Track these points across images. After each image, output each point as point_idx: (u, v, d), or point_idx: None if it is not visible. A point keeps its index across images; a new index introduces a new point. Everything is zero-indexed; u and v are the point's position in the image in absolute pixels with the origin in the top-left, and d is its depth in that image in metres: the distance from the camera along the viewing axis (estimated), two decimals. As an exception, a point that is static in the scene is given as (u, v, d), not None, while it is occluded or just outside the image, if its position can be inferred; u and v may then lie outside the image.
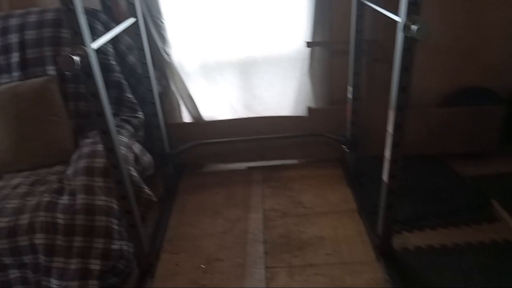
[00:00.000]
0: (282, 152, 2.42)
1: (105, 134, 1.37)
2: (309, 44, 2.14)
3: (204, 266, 1.74)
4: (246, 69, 2.28)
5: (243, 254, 1.79)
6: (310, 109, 2.30)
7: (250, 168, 2.46)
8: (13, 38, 1.90)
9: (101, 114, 1.35)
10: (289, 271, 1.68)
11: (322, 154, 2.39)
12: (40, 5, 2.06)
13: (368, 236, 1.81)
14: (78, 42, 1.24)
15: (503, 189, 2.00)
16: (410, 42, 1.07)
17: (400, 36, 1.09)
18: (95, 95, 1.32)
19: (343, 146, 2.22)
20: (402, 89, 1.18)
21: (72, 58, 1.18)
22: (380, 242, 1.63)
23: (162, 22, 2.12)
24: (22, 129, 1.79)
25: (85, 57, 1.25)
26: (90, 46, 1.28)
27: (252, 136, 2.31)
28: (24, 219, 1.49)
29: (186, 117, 2.38)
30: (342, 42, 2.04)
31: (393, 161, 1.34)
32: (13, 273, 1.53)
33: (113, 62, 1.96)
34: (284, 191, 2.21)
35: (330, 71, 2.22)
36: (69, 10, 1.22)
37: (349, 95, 2.03)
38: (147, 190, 1.75)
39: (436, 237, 1.78)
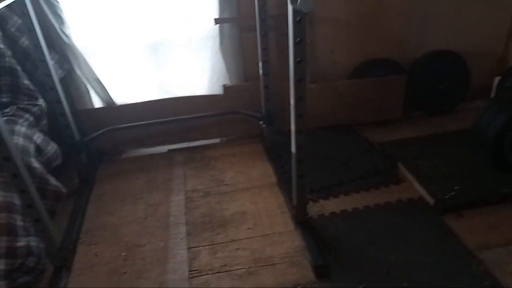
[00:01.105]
0: (202, 132, 2.40)
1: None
2: (217, 21, 2.12)
3: (124, 254, 1.70)
4: (156, 49, 2.20)
5: (165, 237, 1.77)
6: (225, 87, 2.30)
7: (171, 150, 2.42)
8: None
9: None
10: (211, 248, 1.69)
11: (242, 131, 2.42)
12: None
13: (286, 208, 1.88)
14: None
15: (407, 152, 2.18)
16: (298, 14, 1.10)
17: (290, 9, 1.11)
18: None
19: (260, 122, 2.26)
20: (298, 61, 1.21)
21: None
22: (296, 212, 1.70)
23: (57, 1, 1.95)
24: None
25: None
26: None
27: (170, 118, 2.25)
28: None
29: (97, 102, 2.26)
30: (249, 18, 2.04)
31: (297, 132, 1.38)
32: None
33: (1, 46, 1.78)
34: (206, 171, 2.20)
35: (241, 48, 2.22)
36: None
37: (260, 71, 2.05)
38: (53, 181, 1.64)
39: (349, 202, 1.90)
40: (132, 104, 2.27)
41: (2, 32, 1.79)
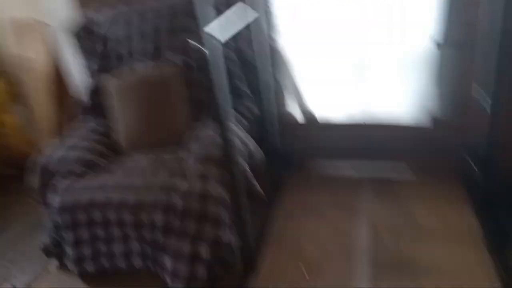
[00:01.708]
0: (398, 163, 2.24)
1: (223, 127, 1.41)
2: (438, 44, 1.92)
3: (306, 275, 1.70)
4: (361, 68, 2.15)
5: (347, 268, 1.70)
6: (434, 119, 2.08)
7: (360, 174, 2.34)
8: (149, 26, 2.05)
9: (221, 107, 1.38)
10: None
11: (445, 170, 2.15)
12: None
13: (492, 268, 1.57)
14: (206, 35, 1.27)
15: None
16: None
17: None
18: (217, 87, 1.35)
19: (471, 163, 1.96)
20: None
21: (203, 50, 1.22)
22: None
23: (275, 13, 2.08)
24: (149, 112, 1.95)
25: (213, 49, 1.28)
26: (219, 39, 1.31)
27: (365, 142, 2.18)
28: (149, 197, 1.63)
29: (298, 115, 2.36)
30: (476, 42, 1.78)
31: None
32: (135, 246, 1.69)
33: (232, 54, 2.00)
34: (397, 206, 2.03)
35: (461, 76, 1.95)
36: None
37: (483, 104, 1.75)
38: (258, 187, 1.77)
39: None
40: (330, 122, 2.29)
41: (233, 41, 1.98)
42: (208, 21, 1.28)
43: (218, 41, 1.31)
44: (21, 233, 2.29)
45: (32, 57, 2.53)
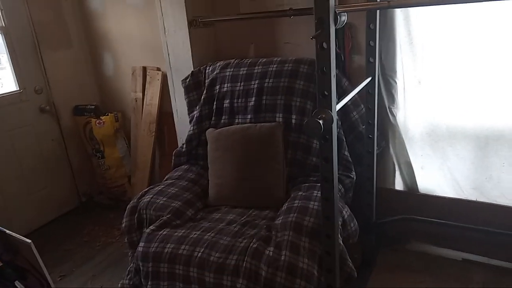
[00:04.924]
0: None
1: (327, 201, 1.29)
2: None
3: None
4: (485, 143, 1.90)
5: None
6: None
7: (466, 261, 2.02)
8: (254, 84, 2.07)
9: (328, 180, 1.27)
10: None
11: None
12: (279, 54, 2.22)
13: None
14: (324, 106, 1.20)
15: None
16: None
17: None
18: (328, 159, 1.26)
19: None
20: None
21: (318, 122, 1.14)
22: None
23: (395, 82, 1.97)
24: (245, 169, 1.91)
25: (327, 120, 1.19)
26: (335, 109, 1.22)
27: (477, 225, 1.89)
28: (232, 259, 1.54)
29: (399, 185, 2.14)
30: None
31: None
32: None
33: (337, 117, 1.91)
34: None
35: None
36: (323, 73, 1.20)
37: None
38: (350, 263, 1.58)
39: None
40: (437, 196, 2.04)
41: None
42: (331, 94, 1.21)
43: (335, 111, 1.23)
44: (103, 265, 2.35)
45: (146, 100, 2.73)
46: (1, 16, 2.50)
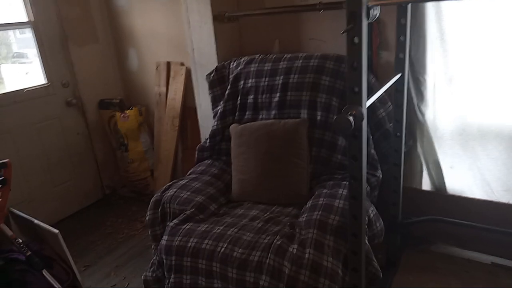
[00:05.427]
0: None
1: (355, 200, 1.26)
2: None
3: None
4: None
5: None
6: None
7: (496, 265, 1.95)
8: (279, 80, 2.05)
9: (356, 178, 1.24)
10: None
11: None
12: (304, 50, 2.18)
13: None
14: (355, 102, 1.17)
15: None
16: None
17: None
18: (356, 157, 1.23)
19: None
20: None
21: (349, 120, 1.11)
22: None
23: (424, 79, 1.92)
24: (268, 165, 1.89)
25: (358, 117, 1.16)
26: (365, 106, 1.19)
27: (507, 228, 1.82)
28: (255, 256, 1.53)
29: (426, 184, 2.09)
30: None
31: None
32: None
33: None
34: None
35: None
36: (353, 69, 1.17)
37: None
38: (375, 263, 1.55)
39: None
40: (465, 197, 1.97)
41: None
42: (362, 91, 1.18)
43: (365, 108, 1.20)
44: (126, 257, 2.38)
45: (169, 94, 2.75)
46: (30, 12, 2.56)
